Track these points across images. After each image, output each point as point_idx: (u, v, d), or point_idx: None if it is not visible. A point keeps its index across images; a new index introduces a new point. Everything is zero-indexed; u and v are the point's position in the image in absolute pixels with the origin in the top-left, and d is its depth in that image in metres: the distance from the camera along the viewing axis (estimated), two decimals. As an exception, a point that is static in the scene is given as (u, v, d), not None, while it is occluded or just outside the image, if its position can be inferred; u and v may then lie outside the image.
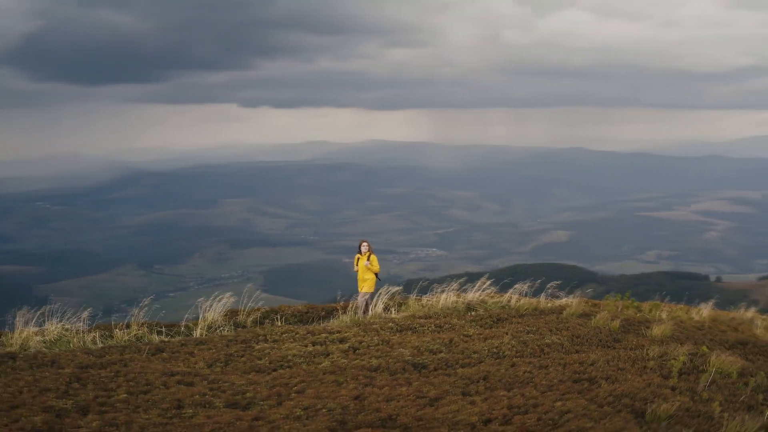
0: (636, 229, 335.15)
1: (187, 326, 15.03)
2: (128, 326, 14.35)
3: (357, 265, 17.26)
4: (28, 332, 13.06)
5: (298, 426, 8.66)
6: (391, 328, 14.63)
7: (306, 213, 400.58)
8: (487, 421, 9.12)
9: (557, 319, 15.90)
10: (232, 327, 15.33)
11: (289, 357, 12.27)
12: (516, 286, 19.41)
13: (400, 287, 18.58)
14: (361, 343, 13.21)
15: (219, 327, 15.14)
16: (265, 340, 13.48)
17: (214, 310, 15.67)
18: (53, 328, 13.42)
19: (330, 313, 17.20)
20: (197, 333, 14.60)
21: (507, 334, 14.05)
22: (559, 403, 9.79)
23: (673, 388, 11.03)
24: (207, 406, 9.60)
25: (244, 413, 9.23)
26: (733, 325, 18.05)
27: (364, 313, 16.93)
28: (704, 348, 13.65)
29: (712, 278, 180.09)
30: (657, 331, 15.39)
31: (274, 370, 11.61)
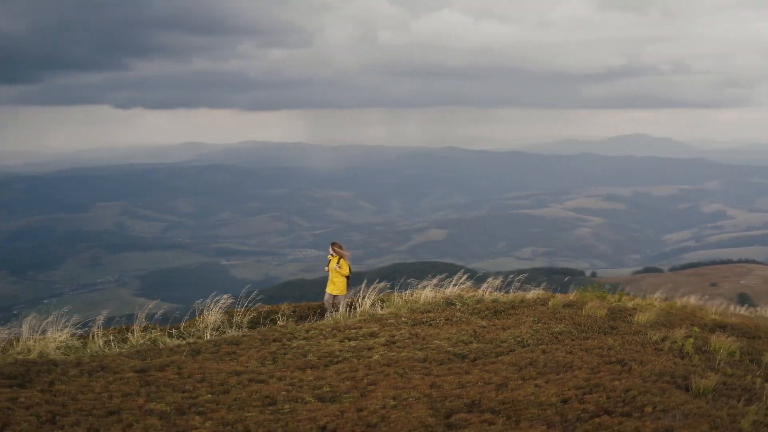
0: (511, 226, 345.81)
1: (185, 328, 15.12)
2: (144, 329, 14.42)
3: (328, 266, 17.45)
4: (46, 339, 13.05)
5: (404, 414, 9.30)
6: (406, 322, 15.28)
7: (182, 216, 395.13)
8: (565, 401, 10.03)
9: (550, 310, 16.96)
10: (235, 327, 15.56)
11: (336, 353, 12.76)
12: (489, 280, 20.38)
13: (387, 284, 18.94)
14: (393, 336, 13.85)
15: (220, 327, 15.36)
16: (295, 338, 13.89)
17: (212, 311, 15.81)
18: (59, 334, 13.31)
19: (321, 313, 17.54)
20: (207, 335, 14.75)
21: (524, 323, 15.05)
22: (616, 383, 10.79)
23: (695, 366, 12.27)
24: (299, 401, 10.04)
25: (343, 405, 9.78)
26: (690, 311, 19.47)
27: (330, 314, 17.07)
28: (696, 330, 15.07)
29: (588, 273, 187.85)
30: (642, 318, 16.56)
31: (327, 365, 12.11)
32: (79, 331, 13.87)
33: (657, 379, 11.26)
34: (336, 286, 17.18)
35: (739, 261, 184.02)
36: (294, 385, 10.82)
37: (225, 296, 16.53)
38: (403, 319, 15.63)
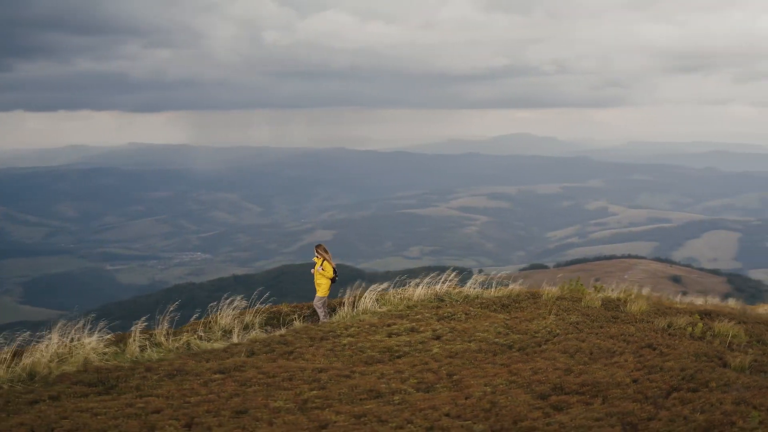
0: (398, 226, 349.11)
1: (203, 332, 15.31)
2: (175, 333, 14.74)
3: (314, 268, 17.78)
4: (83, 346, 13.20)
5: (509, 399, 10.30)
6: (430, 318, 16.10)
7: (65, 220, 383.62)
8: (635, 381, 11.28)
9: (553, 302, 18.04)
10: (256, 328, 16.01)
11: (393, 348, 13.53)
12: (475, 276, 21.61)
13: (386, 284, 19.56)
14: (435, 331, 14.68)
15: (233, 329, 15.62)
16: (339, 335, 14.53)
17: (226, 314, 16.13)
18: (89, 340, 13.42)
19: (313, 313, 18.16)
20: (235, 337, 15.09)
21: (550, 314, 16.24)
22: (670, 363, 12.17)
23: (719, 347, 13.84)
24: (401, 392, 10.80)
25: (444, 395, 10.66)
26: (669, 303, 21.03)
27: (324, 317, 17.36)
28: (697, 317, 16.53)
29: (475, 271, 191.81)
30: (634, 308, 17.92)
31: (391, 360, 12.87)
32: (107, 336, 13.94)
33: (696, 360, 12.60)
34: (321, 288, 17.50)
35: (623, 256, 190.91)
36: (380, 378, 11.54)
37: (238, 297, 16.91)
38: (426, 314, 16.45)
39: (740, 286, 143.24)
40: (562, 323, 15.64)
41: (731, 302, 26.74)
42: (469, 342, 13.93)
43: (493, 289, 20.85)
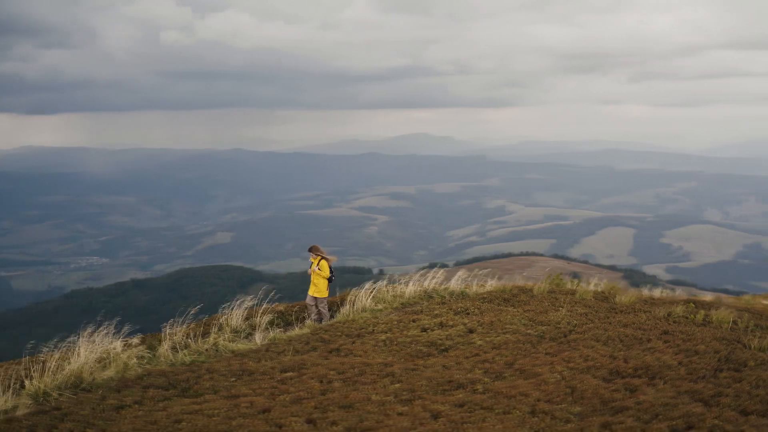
0: (299, 227, 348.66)
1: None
2: (203, 335, 14.99)
3: (310, 269, 17.89)
4: (127, 353, 13.29)
5: (585, 382, 11.16)
6: (447, 312, 16.80)
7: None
8: (680, 363, 12.30)
9: (550, 296, 19.09)
10: (268, 328, 16.24)
11: (438, 341, 14.15)
12: (459, 273, 22.38)
13: (382, 283, 20.18)
14: (465, 324, 15.40)
15: (244, 329, 16.02)
16: (372, 332, 15.08)
17: (236, 315, 16.44)
18: (114, 345, 13.26)
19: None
20: (258, 337, 15.35)
21: (563, 307, 17.19)
22: (701, 346, 13.27)
23: (730, 332, 15.07)
24: (476, 382, 11.45)
25: (520, 381, 11.39)
26: (648, 295, 22.04)
27: (316, 318, 17.54)
28: (692, 305, 17.82)
29: (375, 271, 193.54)
30: (625, 299, 19.06)
31: (440, 353, 13.50)
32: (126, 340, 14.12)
33: (718, 343, 13.68)
34: (318, 288, 17.50)
35: (522, 254, 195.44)
36: (446, 369, 12.16)
37: (248, 298, 17.32)
38: (444, 309, 17.18)
39: (636, 281, 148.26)
40: (574, 315, 16.54)
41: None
42: (504, 334, 14.63)
43: (474, 286, 21.69)
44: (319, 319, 17.43)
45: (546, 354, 13.20)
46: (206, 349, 14.29)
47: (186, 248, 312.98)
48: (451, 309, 17.26)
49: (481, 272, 23.48)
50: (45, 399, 10.93)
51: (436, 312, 16.92)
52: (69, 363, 12.10)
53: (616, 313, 17.16)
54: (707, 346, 13.33)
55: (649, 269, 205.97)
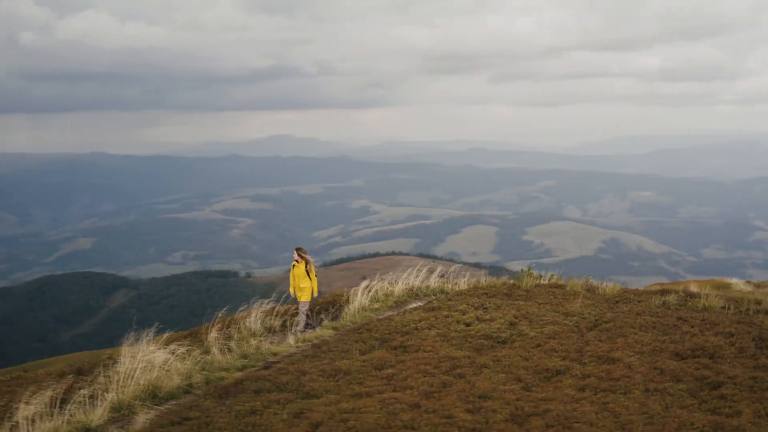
0: (161, 231, 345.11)
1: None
2: (243, 337, 15.62)
3: (292, 271, 17.80)
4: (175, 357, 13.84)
5: (653, 361, 12.41)
6: (468, 310, 17.50)
7: None
8: (727, 344, 13.90)
9: (545, 290, 20.72)
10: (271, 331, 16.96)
11: (491, 335, 14.88)
12: (439, 269, 24.72)
13: (373, 281, 21.30)
14: (504, 318, 16.21)
15: (263, 333, 16.68)
16: (417, 328, 15.68)
17: (255, 318, 17.17)
18: (156, 351, 13.65)
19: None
20: (291, 340, 15.86)
21: (578, 301, 18.60)
22: (731, 329, 15.04)
23: (738, 314, 16.95)
24: (570, 368, 12.34)
25: (617, 365, 12.41)
26: (624, 288, 23.09)
27: (306, 326, 17.41)
28: (681, 294, 19.76)
29: (242, 274, 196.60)
30: (609, 291, 20.83)
31: (498, 344, 14.26)
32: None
33: (741, 326, 15.49)
34: (304, 292, 17.34)
35: (387, 253, 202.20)
36: (526, 360, 13.01)
37: (267, 301, 18.42)
38: (462, 306, 17.89)
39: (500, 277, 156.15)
40: (586, 306, 17.89)
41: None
42: (546, 325, 15.55)
43: (450, 283, 23.21)
44: (305, 326, 17.35)
45: (600, 341, 14.22)
46: (252, 353, 14.64)
47: (46, 255, 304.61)
48: (468, 305, 17.99)
49: (450, 270, 25.45)
50: (128, 411, 11.22)
51: (460, 308, 17.61)
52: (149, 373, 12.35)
53: (616, 303, 18.65)
54: (735, 329, 15.00)
55: (512, 266, 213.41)
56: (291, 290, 17.69)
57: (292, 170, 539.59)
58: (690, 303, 18.61)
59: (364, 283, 20.73)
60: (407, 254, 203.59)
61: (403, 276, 22.73)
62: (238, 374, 13.05)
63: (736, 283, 36.60)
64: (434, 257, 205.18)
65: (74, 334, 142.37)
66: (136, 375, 12.16)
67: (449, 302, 18.64)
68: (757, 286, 35.54)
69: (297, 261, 17.45)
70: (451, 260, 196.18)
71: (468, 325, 15.80)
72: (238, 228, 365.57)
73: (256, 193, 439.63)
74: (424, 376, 11.88)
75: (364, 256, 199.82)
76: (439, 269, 24.42)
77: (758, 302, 18.93)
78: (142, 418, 10.91)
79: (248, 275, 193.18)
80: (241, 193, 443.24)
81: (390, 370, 12.34)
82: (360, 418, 9.82)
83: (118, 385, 11.92)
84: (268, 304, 18.49)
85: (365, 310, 18.96)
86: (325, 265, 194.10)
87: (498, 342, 14.41)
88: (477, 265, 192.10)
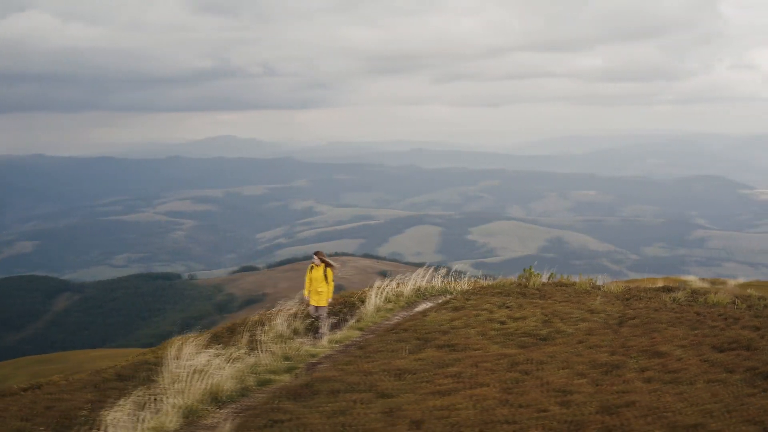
0: (104, 234, 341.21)
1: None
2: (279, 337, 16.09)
3: (309, 275, 17.54)
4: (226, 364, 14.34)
5: (698, 354, 12.95)
6: (492, 307, 18.09)
7: None
8: (752, 339, 14.22)
9: (557, 290, 21.32)
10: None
11: (531, 332, 15.34)
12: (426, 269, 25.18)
13: (391, 280, 21.84)
14: (535, 315, 16.78)
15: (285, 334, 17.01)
16: (454, 328, 16.06)
17: (282, 321, 17.37)
18: (199, 354, 13.91)
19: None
20: (325, 342, 16.25)
21: (597, 298, 19.48)
22: (755, 322, 15.66)
23: (751, 309, 17.60)
24: (624, 363, 12.77)
25: (665, 358, 12.87)
26: (625, 284, 24.79)
27: (322, 333, 17.01)
28: (689, 290, 20.44)
29: (185, 276, 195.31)
30: (613, 288, 21.53)
31: (542, 341, 14.65)
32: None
33: (761, 320, 16.16)
34: (322, 297, 17.15)
35: (332, 254, 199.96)
36: (578, 355, 13.42)
37: (290, 303, 18.66)
38: (487, 306, 18.38)
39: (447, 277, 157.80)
40: (605, 303, 18.57)
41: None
42: (578, 323, 16.08)
43: (452, 284, 24.03)
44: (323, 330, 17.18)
45: (635, 336, 14.73)
46: (294, 354, 15.05)
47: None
48: (491, 304, 18.49)
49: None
50: (196, 416, 11.43)
51: (486, 307, 18.05)
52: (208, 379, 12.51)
53: (628, 300, 19.32)
54: (759, 323, 15.69)
55: (457, 266, 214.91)
56: (306, 292, 17.46)
57: (235, 171, 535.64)
58: (701, 299, 19.22)
59: (378, 284, 20.91)
60: (352, 255, 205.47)
61: (412, 277, 22.95)
62: (289, 376, 13.57)
63: (693, 280, 37.26)
64: (378, 257, 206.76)
65: (18, 339, 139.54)
66: (195, 379, 12.32)
67: (468, 302, 18.91)
68: (713, 282, 36.24)
69: (315, 264, 17.34)
70: (396, 260, 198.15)
71: (502, 323, 16.15)
72: (182, 230, 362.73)
73: (199, 194, 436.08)
74: (491, 374, 12.20)
75: (308, 257, 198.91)
76: (442, 271, 24.86)
77: (763, 297, 19.55)
78: (211, 421, 11.22)
79: (192, 277, 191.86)
80: (183, 194, 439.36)
81: (453, 369, 12.59)
82: (457, 414, 10.05)
83: (182, 389, 12.09)
84: (291, 306, 18.53)
85: (380, 311, 19.32)
86: (270, 266, 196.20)
87: (539, 339, 14.75)
88: (421, 265, 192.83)
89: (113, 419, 10.65)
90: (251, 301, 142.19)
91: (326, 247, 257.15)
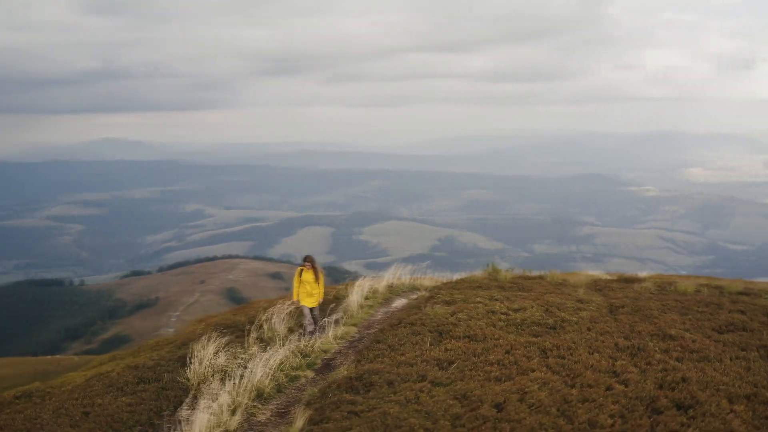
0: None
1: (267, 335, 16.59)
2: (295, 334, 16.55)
3: (299, 279, 17.77)
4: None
5: (702, 336, 14.19)
6: (485, 302, 18.30)
7: None
8: (744, 321, 15.62)
9: (534, 283, 21.98)
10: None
11: (539, 321, 15.89)
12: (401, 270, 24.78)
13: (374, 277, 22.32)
14: (533, 308, 17.30)
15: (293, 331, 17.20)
16: (460, 320, 16.32)
17: (280, 320, 17.63)
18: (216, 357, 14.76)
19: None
20: (330, 338, 16.87)
21: (580, 289, 20.44)
22: (739, 306, 16.99)
23: (721, 296, 18.75)
24: (644, 346, 13.62)
25: (678, 342, 13.80)
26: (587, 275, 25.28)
27: (311, 333, 17.53)
28: (657, 280, 21.53)
29: (76, 282, 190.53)
30: (575, 280, 22.35)
31: (553, 330, 15.20)
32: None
33: (740, 304, 17.39)
34: (314, 298, 17.59)
35: (223, 257, 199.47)
36: (596, 341, 14.13)
37: (288, 303, 18.55)
38: (477, 300, 18.67)
39: (338, 278, 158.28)
40: (588, 294, 19.37)
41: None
42: (577, 312, 16.77)
43: (418, 280, 24.06)
44: (313, 329, 17.69)
45: (636, 322, 15.62)
46: (317, 352, 15.62)
47: None
48: (482, 297, 18.81)
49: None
50: (248, 413, 12.01)
51: (477, 300, 18.42)
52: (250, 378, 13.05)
53: (601, 290, 20.18)
54: (744, 306, 17.01)
55: (349, 266, 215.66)
56: (295, 296, 17.79)
57: (123, 174, 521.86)
58: (671, 288, 20.33)
59: (359, 282, 21.37)
60: (243, 257, 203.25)
61: (386, 275, 23.31)
62: (311, 372, 13.99)
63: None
64: (270, 259, 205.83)
65: None
66: (218, 377, 13.01)
67: (455, 296, 19.23)
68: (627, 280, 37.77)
69: (305, 269, 17.59)
70: (288, 262, 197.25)
71: (505, 314, 16.64)
72: (68, 235, 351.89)
73: (86, 198, 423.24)
74: (529, 360, 12.77)
75: (200, 260, 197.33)
76: (392, 268, 24.03)
77: (720, 287, 20.60)
78: (263, 418, 11.86)
79: (81, 283, 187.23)
80: (70, 198, 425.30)
81: (490, 357, 13.11)
82: (531, 396, 10.69)
83: (232, 387, 12.57)
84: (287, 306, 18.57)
85: (362, 308, 19.70)
86: (161, 270, 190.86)
87: (549, 328, 15.34)
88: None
89: (186, 418, 11.34)
90: (142, 306, 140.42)
91: (217, 250, 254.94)
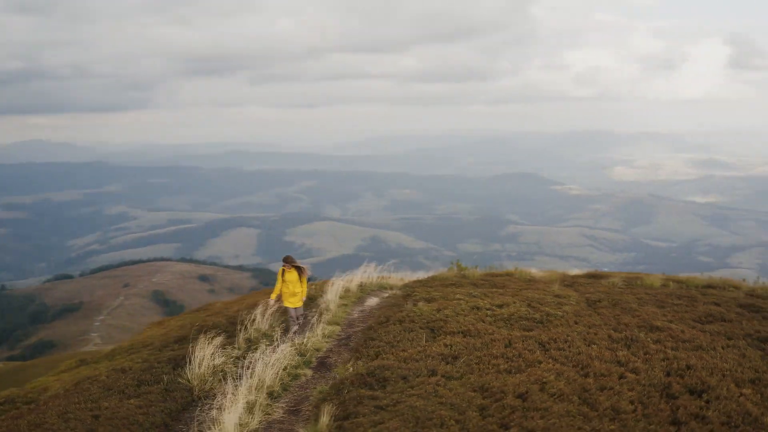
0: None
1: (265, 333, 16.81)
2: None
3: (282, 279, 17.74)
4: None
5: (699, 324, 14.84)
6: (465, 299, 18.68)
7: None
8: (722, 312, 16.33)
9: (507, 280, 22.40)
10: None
11: (525, 316, 16.30)
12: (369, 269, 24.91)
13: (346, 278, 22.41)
14: (515, 304, 17.71)
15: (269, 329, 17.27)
16: (449, 316, 16.66)
17: (263, 319, 17.80)
18: (214, 355, 14.85)
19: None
20: (319, 336, 17.07)
21: (555, 284, 21.00)
22: (711, 298, 17.75)
23: (689, 288, 19.50)
24: (635, 337, 14.14)
25: (666, 334, 14.33)
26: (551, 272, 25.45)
27: (295, 332, 17.40)
28: (621, 277, 21.98)
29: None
30: (543, 276, 23.10)
31: (540, 324, 15.57)
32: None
33: (713, 296, 18.16)
34: (297, 297, 17.52)
35: (150, 260, 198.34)
36: (588, 334, 14.61)
37: (272, 303, 18.34)
38: (458, 296, 19.07)
39: (265, 279, 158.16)
40: (562, 289, 19.84)
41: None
42: (560, 306, 17.29)
43: (384, 279, 24.35)
44: (297, 328, 17.71)
45: (618, 315, 16.16)
46: (304, 350, 15.66)
47: None
48: (461, 295, 19.22)
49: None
50: (264, 412, 12.13)
51: (457, 297, 18.73)
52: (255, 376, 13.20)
53: (571, 286, 20.62)
54: (716, 298, 17.79)
55: (276, 267, 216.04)
56: (273, 296, 17.81)
57: (45, 177, 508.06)
58: (638, 282, 20.99)
59: (332, 281, 21.63)
60: (169, 259, 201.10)
61: (357, 274, 23.43)
62: (310, 370, 13.93)
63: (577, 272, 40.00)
64: (197, 261, 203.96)
65: None
66: (254, 377, 13.03)
67: (432, 293, 19.57)
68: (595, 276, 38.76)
69: (286, 269, 17.53)
70: (215, 264, 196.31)
71: (490, 310, 16.95)
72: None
73: (7, 201, 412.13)
74: (531, 353, 13.13)
75: (125, 263, 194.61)
76: (362, 267, 24.09)
77: (681, 282, 21.31)
78: (277, 416, 12.08)
79: (3, 288, 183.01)
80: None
81: (493, 351, 13.40)
82: (551, 386, 11.13)
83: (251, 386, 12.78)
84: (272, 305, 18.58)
85: (339, 307, 19.85)
86: (84, 274, 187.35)
87: (537, 322, 15.73)
88: (240, 268, 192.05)
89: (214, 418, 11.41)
90: (67, 310, 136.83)
91: (142, 253, 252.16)
